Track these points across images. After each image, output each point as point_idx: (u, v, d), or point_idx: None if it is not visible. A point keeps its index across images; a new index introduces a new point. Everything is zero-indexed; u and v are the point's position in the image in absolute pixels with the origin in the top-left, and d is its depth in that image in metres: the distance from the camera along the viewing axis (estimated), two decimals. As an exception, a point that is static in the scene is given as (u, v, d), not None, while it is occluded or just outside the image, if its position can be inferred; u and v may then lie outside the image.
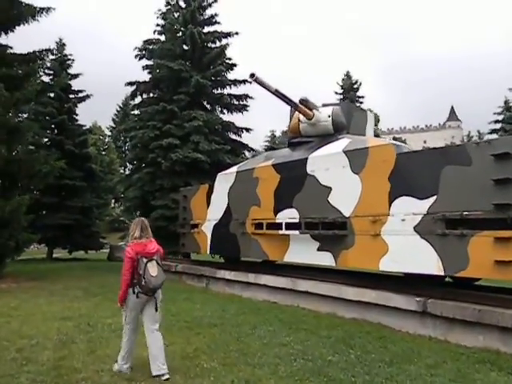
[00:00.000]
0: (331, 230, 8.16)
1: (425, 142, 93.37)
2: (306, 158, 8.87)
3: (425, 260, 6.63)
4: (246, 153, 18.62)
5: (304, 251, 9.03)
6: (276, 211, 9.52)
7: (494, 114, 27.12)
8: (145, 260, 4.59)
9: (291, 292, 9.38)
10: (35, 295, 9.75)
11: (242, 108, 17.44)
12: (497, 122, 26.14)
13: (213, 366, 4.97)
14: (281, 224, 9.37)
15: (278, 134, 58.15)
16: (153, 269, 4.60)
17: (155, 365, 4.60)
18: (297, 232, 8.96)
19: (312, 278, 9.11)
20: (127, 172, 60.67)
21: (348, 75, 34.21)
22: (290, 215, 9.16)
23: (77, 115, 21.29)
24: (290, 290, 9.40)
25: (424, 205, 6.70)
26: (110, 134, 65.84)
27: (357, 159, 7.86)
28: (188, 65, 16.83)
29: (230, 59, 17.58)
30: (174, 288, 11.52)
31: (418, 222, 6.76)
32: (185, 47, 17.72)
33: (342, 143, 8.45)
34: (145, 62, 18.45)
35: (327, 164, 8.40)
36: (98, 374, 4.66)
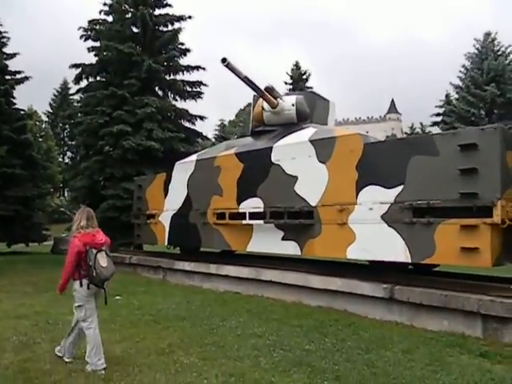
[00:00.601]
0: (297, 220, 8.15)
1: (367, 132, 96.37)
2: (271, 147, 8.78)
3: (392, 248, 6.79)
4: (200, 141, 18.27)
5: (268, 241, 8.98)
6: (239, 201, 9.38)
7: (436, 107, 28.42)
8: (94, 251, 4.46)
9: (254, 282, 9.33)
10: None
11: (196, 95, 16.97)
12: (438, 114, 27.42)
13: (192, 361, 4.79)
14: (244, 214, 9.26)
15: (226, 123, 57.76)
16: (103, 260, 4.49)
17: (95, 359, 4.44)
18: (261, 222, 8.88)
19: (276, 267, 9.11)
20: (66, 160, 58.08)
21: (297, 65, 34.40)
22: (253, 205, 9.07)
23: (14, 98, 19.80)
24: (252, 279, 9.35)
25: (391, 194, 6.84)
26: (46, 119, 62.23)
27: (323, 148, 7.88)
28: (138, 48, 16.12)
29: (182, 44, 17.03)
30: (130, 280, 11.13)
31: (385, 210, 6.90)
32: (134, 30, 16.93)
33: (308, 132, 8.44)
34: (90, 43, 17.49)
35: (293, 153, 8.36)
36: (70, 375, 4.34)
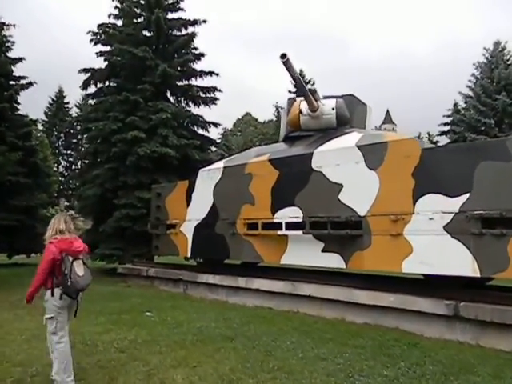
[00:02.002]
0: (343, 230, 7.63)
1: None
2: (311, 153, 8.28)
3: (457, 261, 6.29)
4: (213, 149, 17.75)
5: (305, 253, 8.45)
6: (274, 210, 8.85)
7: (444, 116, 28.26)
8: (70, 258, 4.14)
9: (288, 296, 8.79)
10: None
11: (211, 101, 16.48)
12: (446, 124, 27.24)
13: (268, 391, 4.23)
14: (280, 224, 8.72)
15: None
16: (79, 268, 4.18)
17: (64, 376, 4.09)
18: (299, 232, 8.35)
19: (314, 281, 8.56)
20: (61, 169, 57.05)
21: (301, 73, 34.15)
22: (291, 214, 8.54)
23: (19, 104, 19.15)
24: (285, 294, 8.81)
25: (455, 203, 6.36)
26: (41, 128, 61.30)
27: (373, 154, 7.40)
28: (151, 53, 15.59)
29: (196, 48, 16.55)
30: (151, 295, 10.52)
31: (448, 220, 6.41)
32: (147, 33, 16.45)
33: (354, 137, 7.96)
34: (99, 48, 16.97)
35: (337, 159, 7.87)
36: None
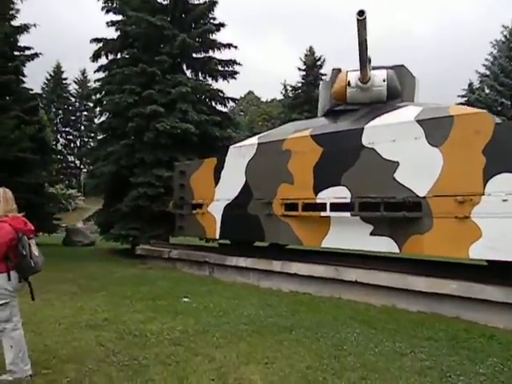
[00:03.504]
0: (399, 212, 7.03)
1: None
2: (362, 129, 7.62)
3: (538, 247, 5.74)
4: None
5: (351, 236, 7.88)
6: (316, 190, 8.24)
7: (458, 96, 27.53)
8: (26, 239, 3.85)
9: (327, 282, 8.27)
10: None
11: (230, 75, 15.65)
12: (460, 104, 26.53)
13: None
14: (323, 205, 8.12)
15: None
16: (35, 248, 3.94)
17: (22, 365, 3.78)
18: (347, 214, 7.75)
19: (360, 266, 8.02)
20: (59, 147, 55.86)
21: (311, 51, 33.15)
22: (336, 194, 7.93)
23: (25, 76, 18.23)
24: (326, 279, 8.29)
25: (536, 183, 5.77)
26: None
27: (436, 130, 6.76)
28: (168, 21, 14.68)
29: (214, 19, 15.65)
30: (176, 278, 9.97)
31: (526, 202, 5.83)
32: (162, 1, 15.48)
33: (411, 111, 7.30)
34: (110, 17, 15.98)
35: (393, 135, 7.23)
36: None
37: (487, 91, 26.90)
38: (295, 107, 33.36)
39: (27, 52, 18.69)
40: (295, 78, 36.90)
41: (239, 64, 15.59)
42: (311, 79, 32.64)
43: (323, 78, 32.10)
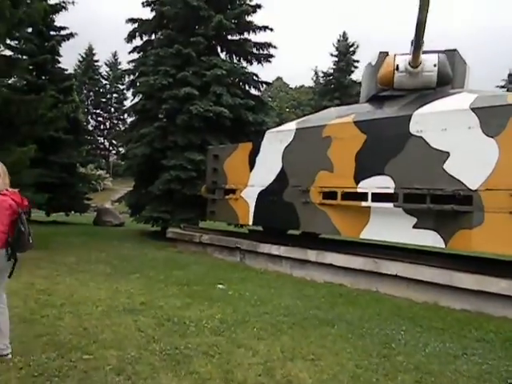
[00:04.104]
0: (448, 205, 6.66)
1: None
2: (410, 116, 7.23)
3: None
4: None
5: (392, 228, 7.57)
6: (358, 178, 7.92)
7: (497, 87, 26.45)
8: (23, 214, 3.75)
9: (364, 274, 7.99)
10: (53, 271, 7.75)
11: (265, 58, 15.29)
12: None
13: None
14: (365, 194, 7.80)
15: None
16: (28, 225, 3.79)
17: (6, 341, 3.72)
18: (390, 205, 7.43)
19: (400, 259, 7.70)
20: (90, 128, 56.64)
21: (344, 36, 32.33)
22: (379, 184, 7.60)
23: (60, 56, 18.29)
24: (362, 271, 8.01)
25: None
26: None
27: (492, 119, 6.33)
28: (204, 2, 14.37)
29: (250, 0, 15.26)
30: (209, 263, 9.86)
31: None
32: (198, -18, 15.16)
33: (465, 98, 6.87)
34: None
35: (443, 123, 6.82)
36: None
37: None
38: (326, 94, 32.80)
39: (62, 32, 18.80)
40: (326, 64, 36.21)
41: (274, 47, 15.23)
42: (343, 65, 31.91)
43: (356, 64, 31.37)
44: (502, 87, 27.29)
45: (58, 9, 17.65)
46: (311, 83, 54.92)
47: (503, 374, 4.05)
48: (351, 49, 32.05)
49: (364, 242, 9.90)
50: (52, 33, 18.31)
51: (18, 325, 4.41)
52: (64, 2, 16.40)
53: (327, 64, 33.79)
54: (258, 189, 9.87)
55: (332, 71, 32.88)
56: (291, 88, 71.33)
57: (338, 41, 32.51)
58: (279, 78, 69.38)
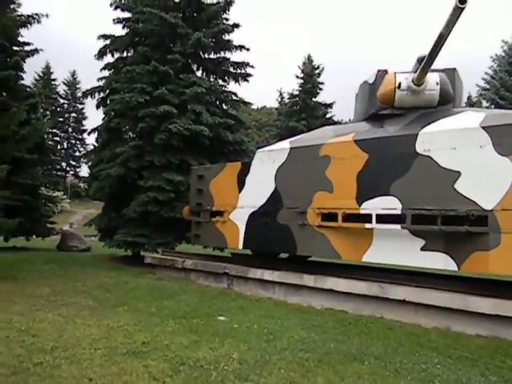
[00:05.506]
0: (462, 226, 6.42)
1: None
2: (415, 135, 7.03)
3: None
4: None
5: (397, 250, 7.26)
6: (360, 199, 7.60)
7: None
8: None
9: (366, 299, 7.62)
10: (29, 306, 6.88)
11: (243, 78, 14.97)
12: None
13: None
14: (368, 215, 7.48)
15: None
16: None
17: None
18: (397, 226, 7.12)
19: (406, 283, 7.39)
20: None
21: (309, 59, 32.80)
22: (385, 205, 7.30)
23: (24, 73, 17.26)
24: (365, 296, 7.64)
25: None
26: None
27: (505, 137, 6.19)
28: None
29: (227, 19, 14.99)
30: (197, 291, 9.20)
31: None
32: (174, -1, 14.79)
33: (473, 117, 6.73)
34: (118, 14, 15.23)
35: (453, 142, 6.64)
36: None
37: (486, 104, 27.03)
38: (292, 115, 32.95)
39: (27, 48, 17.83)
40: (290, 85, 36.61)
41: (252, 66, 14.96)
42: (310, 87, 32.24)
43: (320, 86, 31.85)
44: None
45: (22, 23, 16.75)
46: (274, 104, 55.31)
47: None
48: (316, 71, 32.48)
49: (356, 265, 9.60)
50: (15, 48, 17.28)
51: (8, 378, 3.67)
52: (30, 17, 15.49)
53: (291, 85, 33.86)
54: (248, 210, 9.37)
55: (298, 92, 33.16)
56: (253, 109, 71.74)
57: (304, 63, 32.90)
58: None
